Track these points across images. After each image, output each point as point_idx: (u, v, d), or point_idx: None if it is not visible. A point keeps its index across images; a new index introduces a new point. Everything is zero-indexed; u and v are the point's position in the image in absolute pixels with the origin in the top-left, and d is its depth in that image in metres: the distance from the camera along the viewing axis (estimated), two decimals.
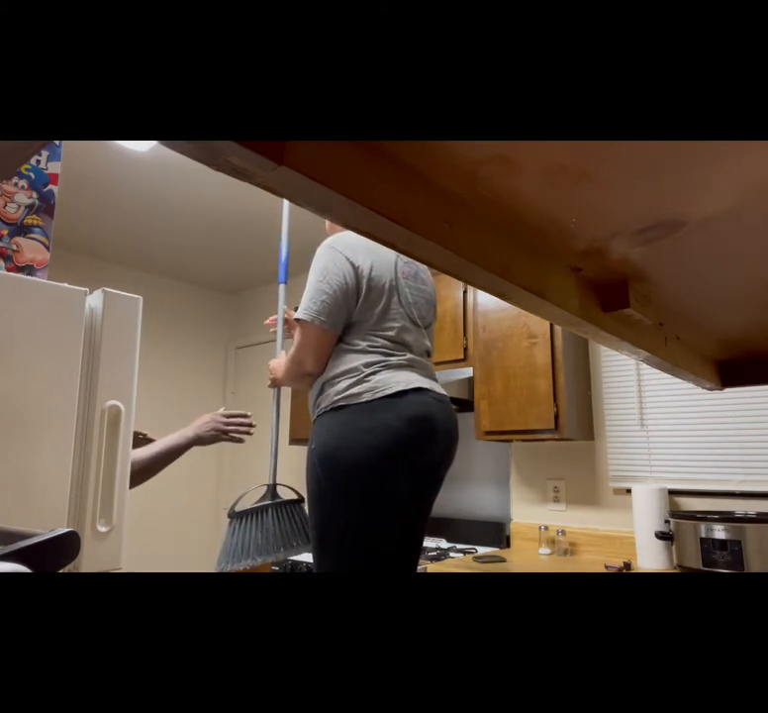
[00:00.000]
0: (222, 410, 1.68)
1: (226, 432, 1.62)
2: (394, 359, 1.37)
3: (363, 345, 1.37)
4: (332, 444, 1.26)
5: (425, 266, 1.56)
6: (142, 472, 1.59)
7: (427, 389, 1.35)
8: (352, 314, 1.38)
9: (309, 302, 1.36)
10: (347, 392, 1.31)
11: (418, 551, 1.37)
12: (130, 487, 1.62)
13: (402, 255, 1.33)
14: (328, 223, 1.62)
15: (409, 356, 1.42)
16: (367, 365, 1.34)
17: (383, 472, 1.25)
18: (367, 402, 1.28)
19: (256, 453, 3.81)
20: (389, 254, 1.44)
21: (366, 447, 1.24)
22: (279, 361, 1.60)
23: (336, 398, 1.32)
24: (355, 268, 1.38)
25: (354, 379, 1.32)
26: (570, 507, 2.50)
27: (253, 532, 1.55)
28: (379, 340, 1.38)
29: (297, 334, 1.39)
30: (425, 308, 1.51)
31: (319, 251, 1.42)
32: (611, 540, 2.34)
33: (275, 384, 1.64)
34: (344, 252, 1.39)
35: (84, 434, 1.00)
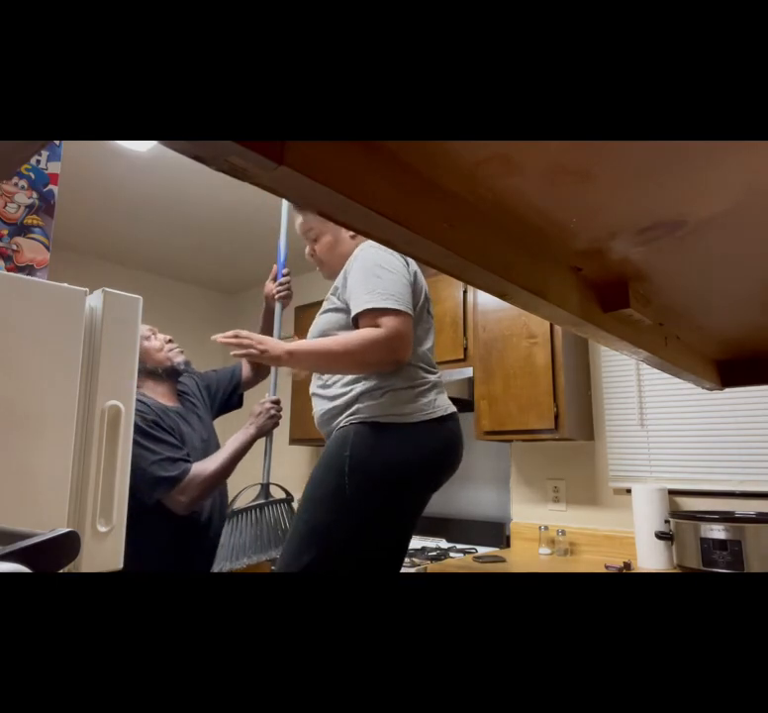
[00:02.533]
0: (267, 397, 1.72)
1: (278, 417, 1.69)
2: (432, 378, 1.36)
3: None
4: (371, 459, 1.25)
5: None
6: (214, 483, 1.59)
7: (455, 413, 1.37)
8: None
9: (396, 293, 1.26)
10: (393, 410, 1.28)
11: (405, 553, 1.38)
12: (204, 498, 1.60)
13: None
14: (318, 246, 1.50)
15: (438, 372, 1.40)
16: (414, 381, 1.32)
17: (411, 489, 1.28)
18: (413, 424, 1.28)
19: (257, 452, 3.81)
20: None
21: (406, 470, 1.26)
22: (275, 342, 1.38)
23: (382, 413, 1.28)
24: (407, 266, 1.35)
25: (400, 397, 1.30)
26: (570, 507, 2.50)
27: (249, 531, 1.56)
28: (417, 350, 1.35)
29: (389, 321, 1.24)
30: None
31: (365, 252, 1.34)
32: (611, 540, 2.34)
33: (267, 359, 1.39)
34: (393, 251, 1.32)
35: (84, 434, 1.00)
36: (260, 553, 1.53)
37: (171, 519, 1.57)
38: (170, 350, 1.79)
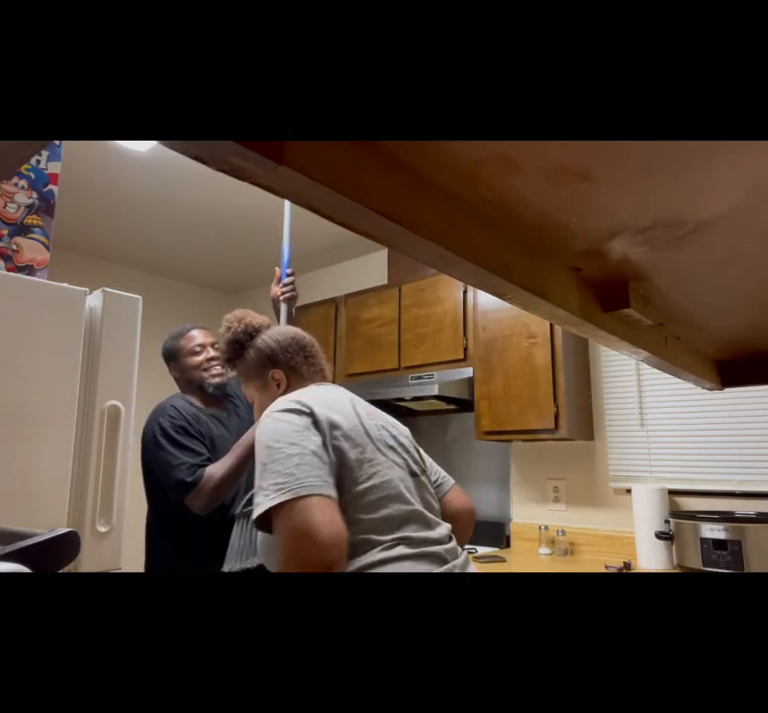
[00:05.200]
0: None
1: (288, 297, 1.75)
2: (390, 553, 0.99)
3: None
4: None
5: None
6: (223, 487, 1.59)
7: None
8: None
9: (285, 476, 0.97)
10: None
11: None
12: (217, 502, 1.55)
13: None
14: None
15: (405, 534, 1.02)
16: (362, 561, 0.98)
17: None
18: None
19: None
20: None
21: None
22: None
23: None
24: (312, 419, 1.05)
25: None
26: (570, 507, 2.50)
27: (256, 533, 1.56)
28: (360, 520, 1.01)
29: (281, 522, 0.92)
30: None
31: (258, 429, 1.06)
32: (611, 540, 2.34)
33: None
34: (293, 402, 1.07)
35: (84, 434, 1.00)
36: None
37: (208, 517, 1.60)
38: (206, 368, 1.79)
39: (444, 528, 1.04)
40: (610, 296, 0.62)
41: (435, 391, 2.42)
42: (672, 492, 2.21)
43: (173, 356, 1.79)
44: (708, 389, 1.04)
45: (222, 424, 1.76)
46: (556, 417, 2.25)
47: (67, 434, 0.97)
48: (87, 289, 1.07)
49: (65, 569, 0.54)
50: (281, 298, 1.75)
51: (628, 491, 2.30)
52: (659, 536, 2.02)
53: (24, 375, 0.92)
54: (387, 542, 0.93)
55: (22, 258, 1.30)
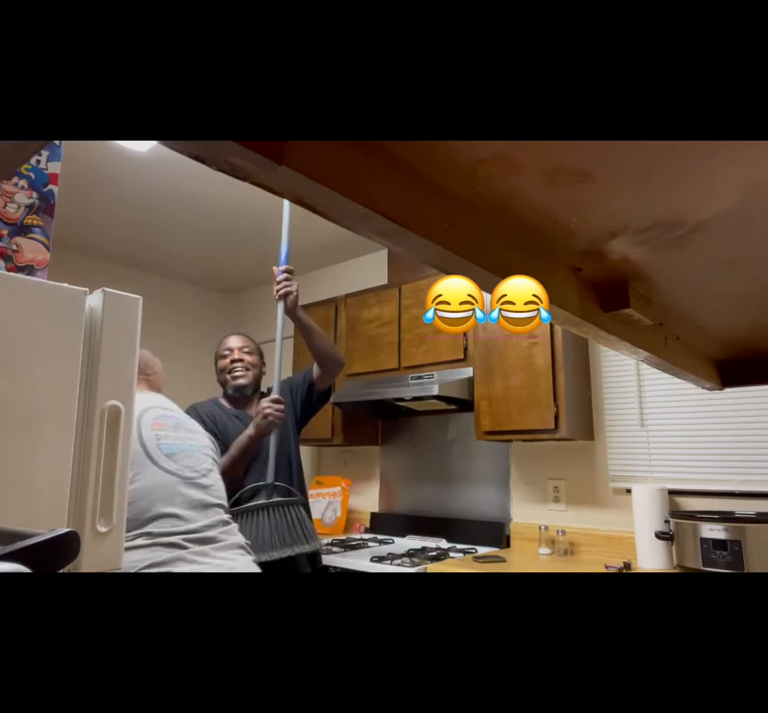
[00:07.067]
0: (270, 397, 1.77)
1: (273, 416, 1.71)
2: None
3: None
4: None
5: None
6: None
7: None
8: None
9: None
10: None
11: None
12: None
13: None
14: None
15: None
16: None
17: None
18: None
19: None
20: None
21: None
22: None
23: None
24: None
25: None
26: (570, 507, 2.50)
27: (250, 531, 1.56)
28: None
29: None
30: None
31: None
32: (611, 540, 2.34)
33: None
34: None
35: (84, 434, 1.00)
36: (260, 553, 1.53)
37: None
38: (230, 371, 1.91)
39: (208, 520, 1.21)
40: (610, 296, 0.62)
41: (435, 391, 2.42)
42: (672, 492, 2.21)
43: (214, 361, 1.98)
44: (708, 389, 1.04)
45: (243, 424, 1.81)
46: (556, 417, 2.25)
47: (67, 434, 0.97)
48: (87, 289, 1.07)
49: (65, 569, 0.54)
50: (276, 296, 1.76)
51: (628, 491, 2.30)
52: (659, 536, 2.02)
53: (24, 375, 0.92)
54: (129, 538, 1.07)
55: (22, 258, 1.30)
